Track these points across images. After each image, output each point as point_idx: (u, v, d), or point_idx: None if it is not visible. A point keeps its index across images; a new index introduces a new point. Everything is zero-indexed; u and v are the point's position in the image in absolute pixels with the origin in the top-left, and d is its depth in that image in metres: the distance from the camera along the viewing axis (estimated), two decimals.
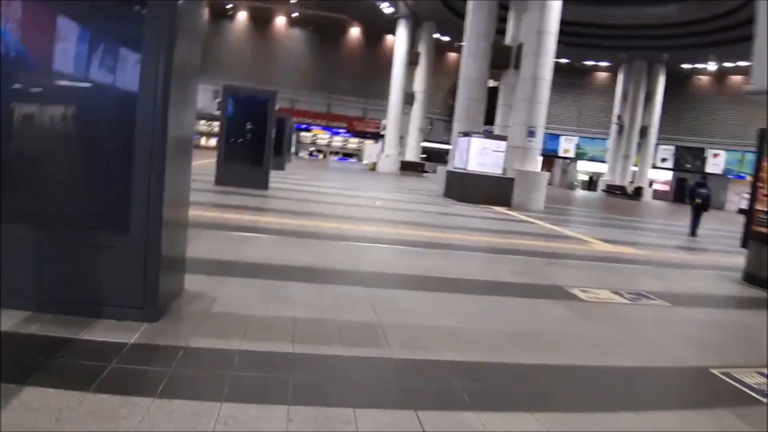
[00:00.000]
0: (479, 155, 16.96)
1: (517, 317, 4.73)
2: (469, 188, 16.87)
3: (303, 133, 51.45)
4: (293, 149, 44.37)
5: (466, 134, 17.42)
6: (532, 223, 13.08)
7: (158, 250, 3.48)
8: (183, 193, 4.07)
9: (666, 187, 47.91)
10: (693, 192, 15.24)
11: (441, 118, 48.12)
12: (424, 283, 5.59)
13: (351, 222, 9.54)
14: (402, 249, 7.50)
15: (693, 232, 14.52)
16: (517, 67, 18.50)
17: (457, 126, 19.33)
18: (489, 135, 17.65)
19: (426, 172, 36.07)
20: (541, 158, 18.15)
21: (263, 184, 13.47)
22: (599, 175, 48.94)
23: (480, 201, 16.46)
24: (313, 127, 49.36)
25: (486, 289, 5.67)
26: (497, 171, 17.06)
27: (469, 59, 19.36)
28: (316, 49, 47.53)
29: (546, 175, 18.32)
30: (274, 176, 18.54)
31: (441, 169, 19.96)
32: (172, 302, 3.88)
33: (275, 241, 7.02)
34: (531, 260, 7.73)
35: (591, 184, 51.14)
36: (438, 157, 45.89)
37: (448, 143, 47.87)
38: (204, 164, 15.84)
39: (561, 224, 13.32)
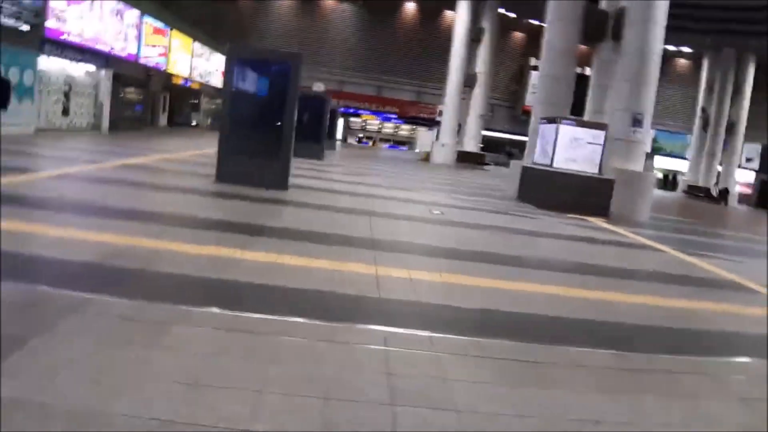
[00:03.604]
0: (569, 148, 12.91)
1: None
2: (554, 191, 12.84)
3: (352, 119, 47.94)
4: (340, 135, 40.96)
5: (552, 120, 13.37)
6: (659, 250, 9.05)
7: None
8: None
9: (748, 190, 42.01)
10: None
11: (503, 104, 43.68)
12: None
13: (397, 258, 5.80)
14: (496, 349, 3.71)
15: None
16: (615, 38, 14.30)
17: (537, 109, 15.24)
18: (583, 122, 13.53)
19: (487, 164, 31.94)
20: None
21: (280, 183, 9.90)
22: (675, 172, 43.62)
23: (568, 208, 12.45)
24: (363, 111, 45.66)
25: None
26: (592, 170, 12.98)
27: (555, 24, 15.20)
28: (367, 27, 43.61)
29: (654, 176, 14.11)
30: (307, 168, 15.06)
31: (515, 164, 15.93)
32: None
33: (235, 332, 3.37)
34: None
35: (667, 182, 45.66)
36: (498, 147, 41.68)
37: (510, 132, 43.58)
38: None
39: (695, 253, 9.22)
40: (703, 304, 5.64)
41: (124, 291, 3.81)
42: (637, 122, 13.03)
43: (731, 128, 37.33)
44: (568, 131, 12.93)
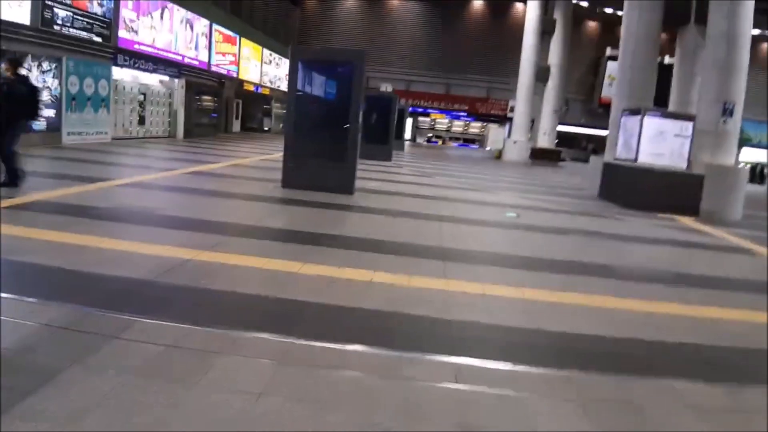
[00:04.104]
0: (654, 142, 11.94)
1: None
2: (639, 189, 11.91)
3: (421, 118, 47.40)
4: (409, 135, 40.60)
5: (635, 112, 12.42)
6: (761, 255, 8.09)
7: None
8: None
9: None
10: None
11: (579, 97, 41.99)
12: None
13: (469, 270, 5.31)
14: (590, 386, 3.19)
15: None
16: (700, 21, 13.18)
17: (618, 102, 14.26)
18: (669, 113, 12.50)
19: (563, 160, 30.66)
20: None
21: (346, 187, 9.58)
22: (764, 164, 40.30)
23: (653, 207, 11.50)
24: (432, 110, 45.07)
25: None
26: (680, 165, 11.95)
27: (635, 10, 14.17)
28: (435, 24, 42.97)
29: (746, 171, 12.88)
30: (374, 170, 14.74)
31: (596, 160, 14.99)
32: None
33: (285, 365, 3.00)
34: None
35: (754, 175, 42.07)
36: (574, 142, 40.12)
37: (587, 126, 41.85)
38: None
39: None
40: None
41: (173, 312, 3.52)
42: (727, 112, 11.88)
43: None
44: (653, 123, 11.97)
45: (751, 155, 42.75)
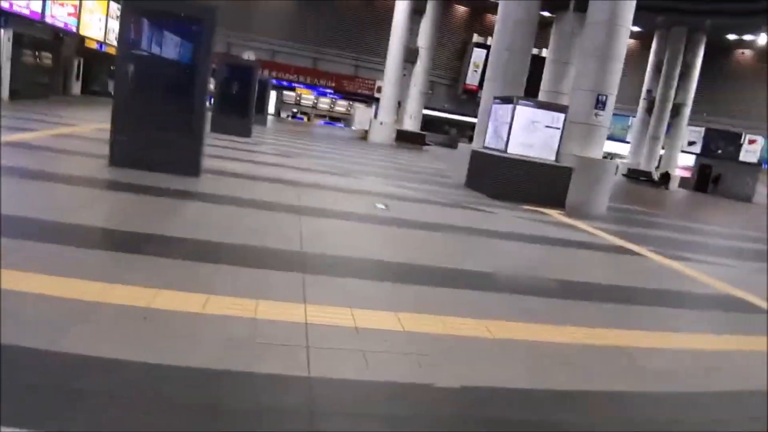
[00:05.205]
0: (525, 132, 11.61)
1: None
2: (507, 180, 11.53)
3: (286, 92, 45.38)
4: (272, 110, 38.66)
5: (507, 100, 12.01)
6: (638, 254, 7.85)
7: None
8: None
9: (687, 174, 42.25)
10: None
11: (444, 82, 42.34)
12: None
13: (335, 287, 4.23)
14: None
15: None
16: (579, 9, 13.10)
17: (490, 88, 13.83)
18: (543, 104, 12.24)
19: (427, 144, 30.57)
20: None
21: (190, 167, 8.06)
22: (614, 155, 43.45)
23: (521, 199, 11.23)
24: (297, 84, 43.25)
25: None
26: (549, 156, 11.75)
27: None
28: None
29: (614, 164, 13.06)
30: (230, 147, 13.20)
31: (464, 147, 14.52)
32: None
33: None
34: None
35: None
36: (436, 127, 40.46)
37: (450, 112, 42.38)
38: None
39: (677, 256, 8.11)
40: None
41: None
42: (600, 104, 11.85)
43: (677, 111, 36.85)
44: (525, 113, 11.62)
45: (606, 147, 45.66)
